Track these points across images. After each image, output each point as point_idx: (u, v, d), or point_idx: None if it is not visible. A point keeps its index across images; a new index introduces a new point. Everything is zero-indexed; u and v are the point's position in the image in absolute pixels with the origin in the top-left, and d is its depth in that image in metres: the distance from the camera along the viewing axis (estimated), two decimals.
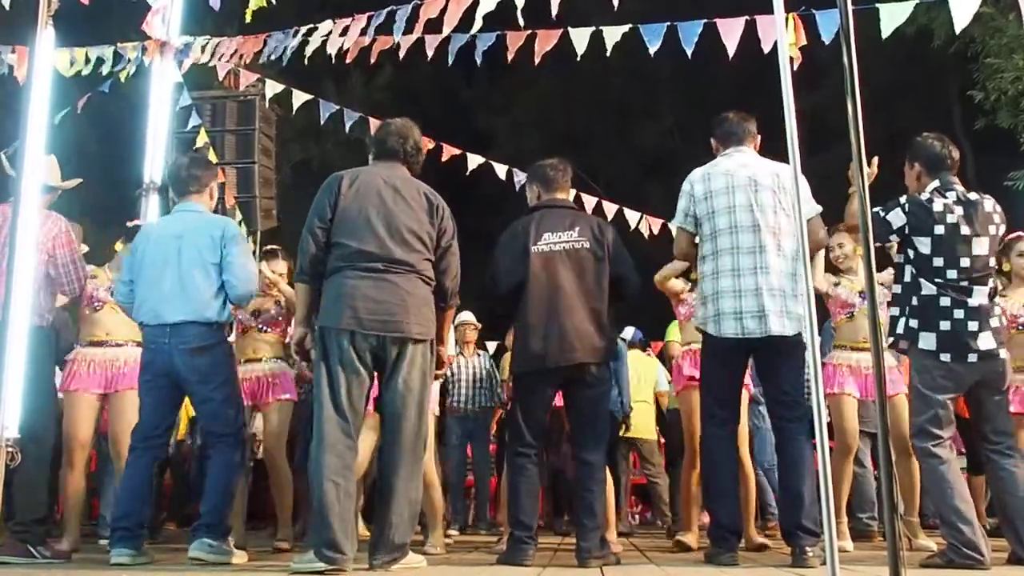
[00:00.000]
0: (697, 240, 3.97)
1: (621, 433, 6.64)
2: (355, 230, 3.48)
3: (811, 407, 2.36)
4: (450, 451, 7.13)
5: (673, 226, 3.99)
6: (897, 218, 3.59)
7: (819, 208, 3.86)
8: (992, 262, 3.64)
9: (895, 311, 3.65)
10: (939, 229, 3.54)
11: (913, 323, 3.55)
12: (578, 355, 3.79)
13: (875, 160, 3.83)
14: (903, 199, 3.65)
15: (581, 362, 3.80)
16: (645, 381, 7.22)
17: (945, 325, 3.48)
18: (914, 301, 3.56)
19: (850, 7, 2.23)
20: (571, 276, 3.86)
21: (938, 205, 3.57)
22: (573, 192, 7.13)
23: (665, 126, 19.06)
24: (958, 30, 5.29)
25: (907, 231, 3.58)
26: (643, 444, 7.18)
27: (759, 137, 4.08)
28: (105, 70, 6.61)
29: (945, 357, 3.48)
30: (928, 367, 3.52)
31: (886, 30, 4.95)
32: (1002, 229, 3.69)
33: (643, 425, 7.04)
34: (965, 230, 3.55)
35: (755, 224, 3.76)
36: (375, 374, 3.52)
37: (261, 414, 4.86)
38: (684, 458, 4.94)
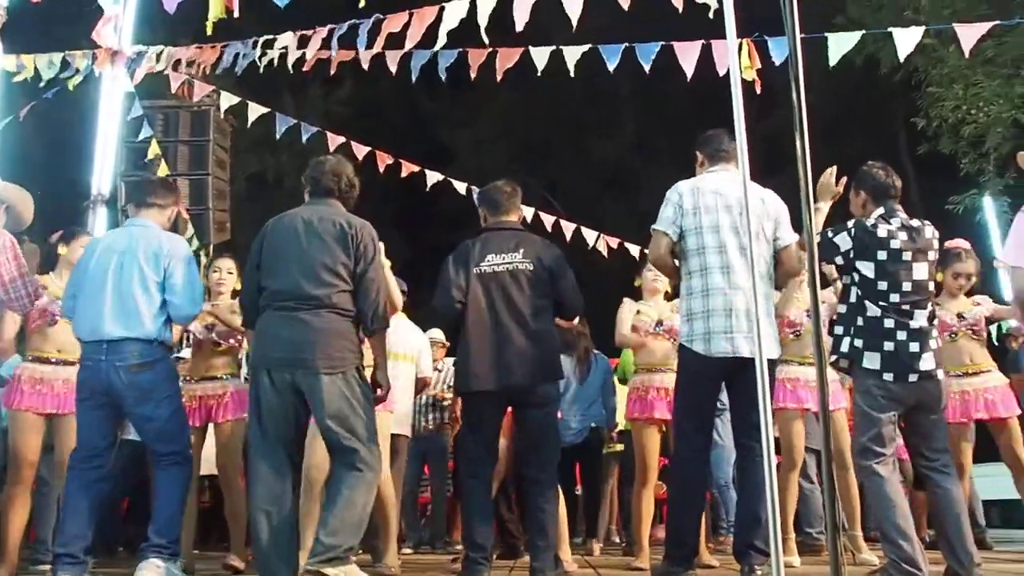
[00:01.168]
0: (676, 250, 3.94)
1: (606, 449, 6.73)
2: (273, 271, 3.60)
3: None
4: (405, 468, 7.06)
5: (653, 229, 3.89)
6: (844, 241, 3.69)
7: (796, 236, 3.90)
8: (931, 286, 3.75)
9: (839, 330, 3.73)
10: (882, 255, 3.64)
11: (858, 343, 3.63)
12: (516, 377, 3.79)
13: (842, 180, 3.93)
14: (850, 223, 3.74)
15: (521, 384, 3.80)
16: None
17: (889, 346, 3.57)
18: (859, 322, 3.64)
19: (798, 37, 2.29)
20: (512, 297, 3.86)
21: (882, 231, 3.68)
22: (531, 211, 7.23)
23: (625, 143, 19.29)
24: (901, 59, 5.48)
25: (852, 255, 3.68)
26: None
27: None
28: (48, 76, 6.47)
29: (888, 376, 3.57)
30: (871, 387, 3.60)
31: (833, 58, 5.10)
32: (938, 255, 3.81)
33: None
34: (907, 256, 3.66)
35: (742, 246, 3.74)
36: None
37: (216, 432, 4.79)
38: (636, 480, 4.94)
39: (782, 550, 4.65)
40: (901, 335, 3.56)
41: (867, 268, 3.64)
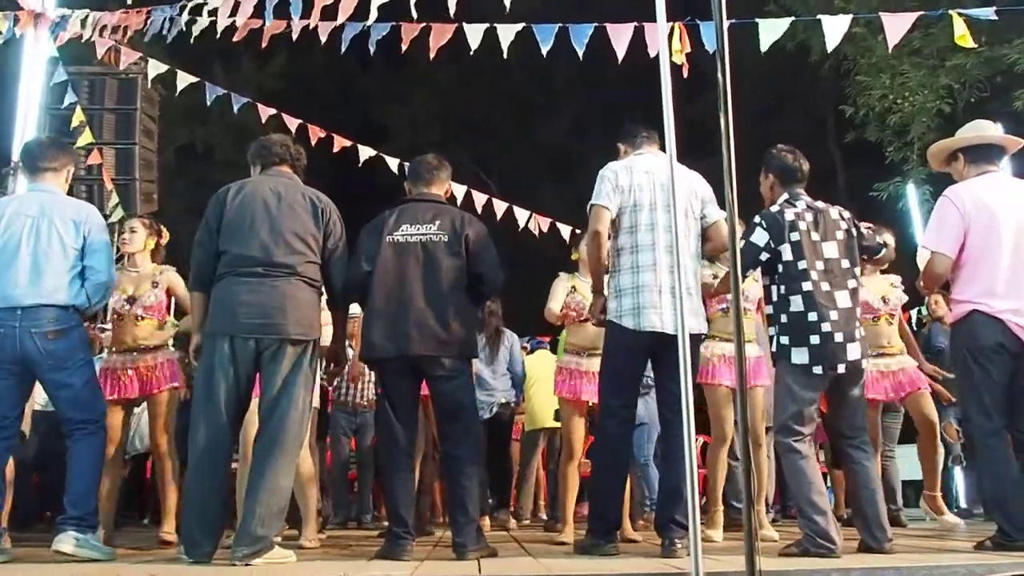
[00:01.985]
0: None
1: (530, 426, 7.00)
2: (238, 237, 3.60)
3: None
4: (334, 444, 7.03)
5: (593, 204, 3.92)
6: (760, 236, 3.79)
7: (723, 213, 3.98)
8: (846, 264, 3.83)
9: (772, 330, 3.83)
10: (795, 235, 3.76)
11: (784, 339, 3.71)
12: (415, 346, 3.75)
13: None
14: (757, 218, 3.85)
15: (422, 354, 3.76)
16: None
17: (815, 339, 3.65)
18: (783, 319, 3.74)
19: (725, 21, 2.33)
20: (420, 268, 3.83)
21: (789, 215, 3.80)
22: (463, 189, 7.21)
23: (562, 124, 19.35)
24: (830, 48, 5.62)
25: (771, 243, 3.78)
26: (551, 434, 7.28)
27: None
28: None
29: (818, 370, 3.66)
30: (795, 382, 3.69)
31: (764, 44, 5.20)
32: (853, 233, 3.90)
33: (548, 416, 7.12)
34: (815, 236, 3.78)
35: (670, 225, 3.76)
36: (256, 375, 3.60)
37: (147, 404, 4.71)
38: (562, 453, 5.02)
39: (708, 523, 4.85)
40: (825, 327, 3.64)
41: (785, 251, 3.75)
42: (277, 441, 3.46)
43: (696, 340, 3.88)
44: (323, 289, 3.80)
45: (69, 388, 3.73)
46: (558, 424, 6.55)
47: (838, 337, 3.65)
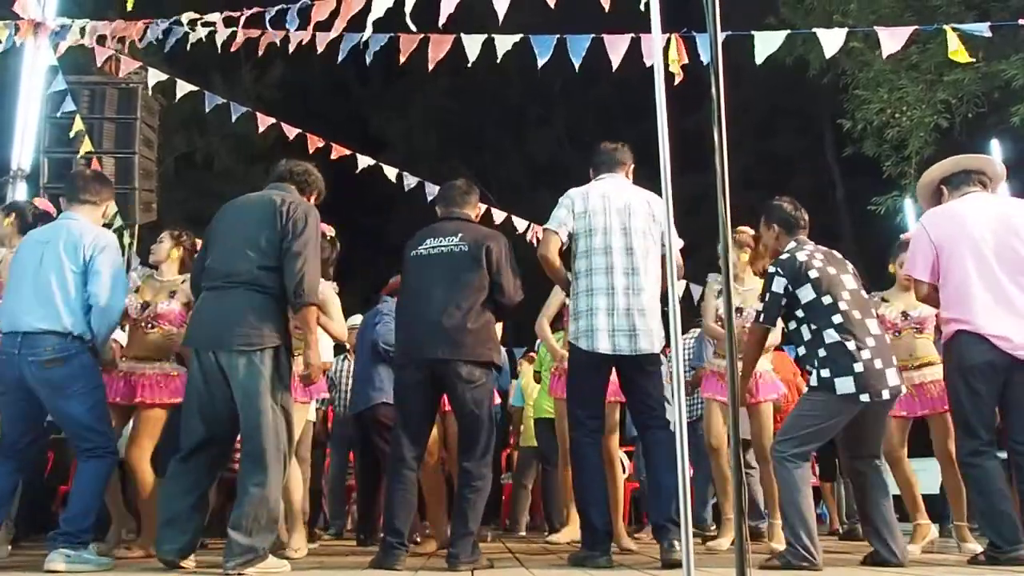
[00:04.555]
0: (564, 250, 4.09)
1: (523, 443, 7.08)
2: (212, 251, 3.68)
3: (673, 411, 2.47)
4: (334, 455, 7.02)
5: (545, 228, 4.07)
6: (779, 284, 3.80)
7: (682, 241, 4.05)
8: (865, 295, 3.90)
9: (808, 367, 3.82)
10: (813, 273, 3.78)
11: (825, 373, 3.67)
12: (428, 351, 3.81)
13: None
14: (771, 268, 3.88)
15: (436, 358, 3.80)
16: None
17: (858, 367, 3.64)
18: (820, 353, 3.71)
19: (719, 31, 2.35)
20: (442, 275, 3.90)
21: (802, 256, 3.84)
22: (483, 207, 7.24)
23: (557, 135, 19.43)
24: (827, 59, 5.65)
25: (790, 288, 3.79)
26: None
27: (632, 165, 4.29)
28: None
29: (864, 398, 3.63)
30: (839, 407, 3.65)
31: (760, 56, 5.23)
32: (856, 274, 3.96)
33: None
34: (831, 271, 3.82)
35: (628, 247, 3.95)
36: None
37: (134, 415, 4.66)
38: (559, 460, 5.04)
39: (723, 532, 4.87)
40: (865, 354, 3.65)
41: (807, 292, 3.77)
42: (255, 452, 3.44)
43: (654, 359, 3.97)
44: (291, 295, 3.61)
45: (70, 416, 3.70)
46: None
47: (878, 364, 3.66)
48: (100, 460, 3.74)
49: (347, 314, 5.55)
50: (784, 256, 3.89)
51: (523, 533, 7.32)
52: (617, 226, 3.98)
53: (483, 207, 7.37)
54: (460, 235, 4.00)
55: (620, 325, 3.87)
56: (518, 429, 7.90)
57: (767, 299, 3.83)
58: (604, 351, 3.87)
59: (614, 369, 4.02)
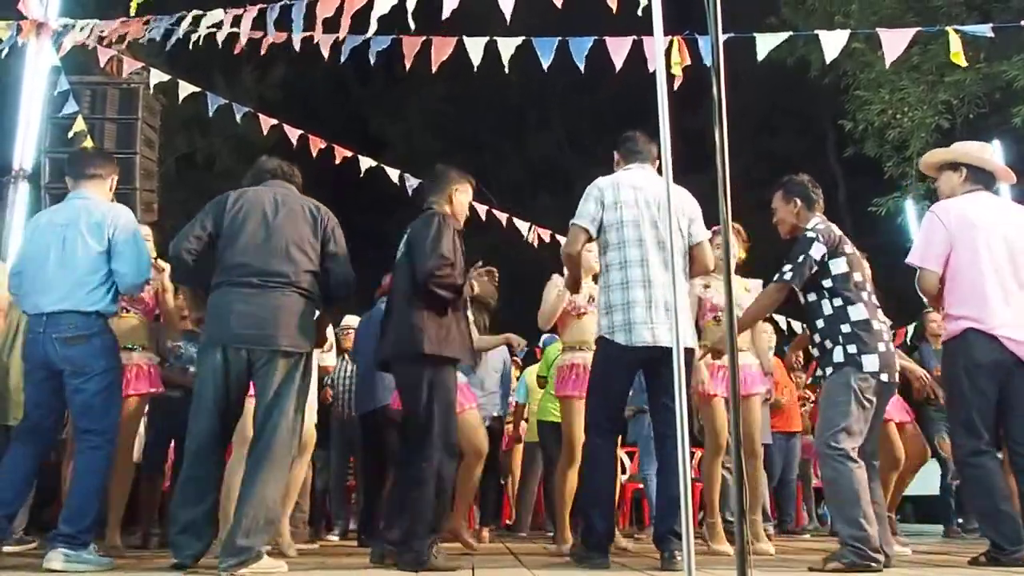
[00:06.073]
0: (594, 246, 4.06)
1: (529, 440, 7.07)
2: (237, 244, 3.62)
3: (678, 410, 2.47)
4: (335, 456, 7.01)
5: (573, 224, 3.97)
6: (818, 249, 3.74)
7: (709, 233, 4.04)
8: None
9: (828, 344, 3.72)
10: (848, 248, 3.78)
11: (852, 349, 3.64)
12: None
13: None
14: (811, 233, 3.78)
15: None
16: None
17: (882, 347, 3.65)
18: (844, 328, 3.68)
19: (720, 31, 2.35)
20: (399, 281, 3.91)
21: (837, 230, 3.83)
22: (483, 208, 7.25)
23: (557, 137, 19.41)
24: (827, 61, 5.65)
25: (826, 257, 3.75)
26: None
27: (659, 161, 4.23)
28: None
29: (884, 377, 3.64)
30: (864, 388, 3.60)
31: (760, 54, 5.23)
32: None
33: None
34: (855, 252, 3.82)
35: (660, 241, 3.86)
36: (251, 384, 3.64)
37: None
38: (562, 459, 4.96)
39: (712, 537, 4.84)
40: (887, 335, 3.70)
41: (840, 264, 3.74)
42: (267, 453, 3.46)
43: (689, 354, 3.90)
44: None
45: (82, 393, 3.70)
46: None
47: (892, 347, 3.73)
48: (97, 451, 3.71)
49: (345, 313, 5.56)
50: (820, 226, 3.82)
51: (524, 534, 7.30)
52: (648, 219, 3.89)
53: (483, 207, 7.45)
54: (404, 238, 3.97)
55: (659, 319, 3.78)
56: (518, 423, 7.81)
57: (799, 260, 3.72)
58: (646, 343, 3.77)
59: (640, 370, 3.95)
